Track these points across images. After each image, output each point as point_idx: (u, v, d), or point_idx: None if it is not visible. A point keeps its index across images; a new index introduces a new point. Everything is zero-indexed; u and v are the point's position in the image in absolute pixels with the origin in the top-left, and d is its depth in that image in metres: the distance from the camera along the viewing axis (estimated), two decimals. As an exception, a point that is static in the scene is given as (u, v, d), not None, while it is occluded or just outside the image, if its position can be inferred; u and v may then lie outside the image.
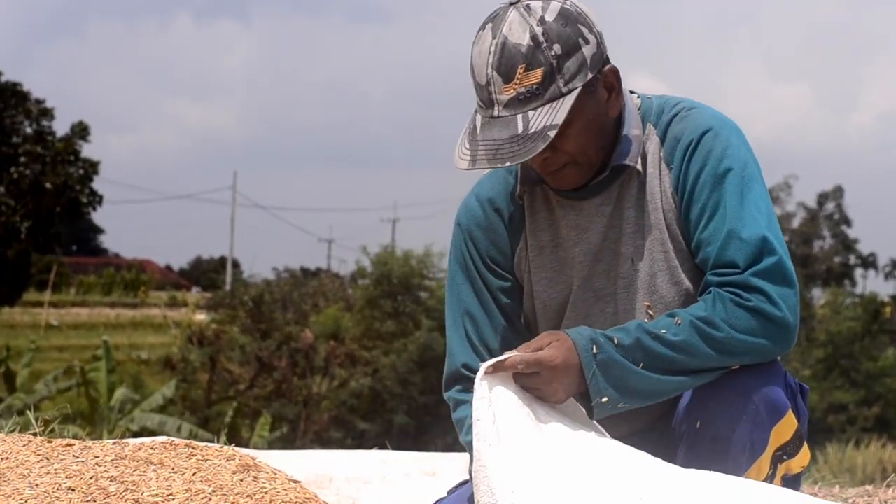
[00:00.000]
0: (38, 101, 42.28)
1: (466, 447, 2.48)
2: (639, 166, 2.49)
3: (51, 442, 2.83)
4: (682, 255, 2.48)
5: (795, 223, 47.94)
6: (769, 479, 2.43)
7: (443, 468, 3.80)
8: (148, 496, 2.46)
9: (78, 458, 2.68)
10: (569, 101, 2.34)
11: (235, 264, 55.14)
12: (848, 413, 33.57)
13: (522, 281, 2.62)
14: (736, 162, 2.44)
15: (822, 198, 48.89)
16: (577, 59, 2.36)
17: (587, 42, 2.38)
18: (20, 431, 3.60)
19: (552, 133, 2.31)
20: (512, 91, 2.34)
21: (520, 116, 2.34)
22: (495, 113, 2.36)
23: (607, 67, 2.43)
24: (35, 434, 3.36)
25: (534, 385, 2.32)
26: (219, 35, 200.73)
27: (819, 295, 45.67)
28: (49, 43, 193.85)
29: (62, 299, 46.43)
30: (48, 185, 40.45)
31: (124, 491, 2.48)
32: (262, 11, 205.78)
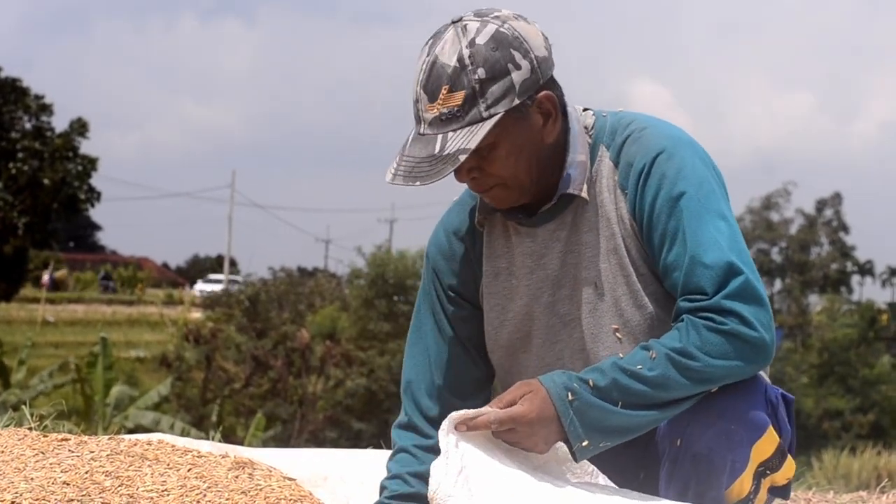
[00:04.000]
0: (38, 97, 42.29)
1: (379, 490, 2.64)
2: (584, 194, 2.46)
3: (46, 436, 2.83)
4: (643, 279, 2.46)
5: (793, 230, 48.02)
6: (753, 493, 2.41)
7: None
8: (143, 491, 2.46)
9: (73, 452, 2.68)
10: (487, 125, 2.32)
11: (233, 263, 55.17)
12: (843, 420, 33.62)
13: (485, 309, 2.64)
14: (691, 184, 2.40)
15: (821, 204, 48.98)
16: (503, 84, 2.34)
17: (518, 67, 2.35)
18: (15, 427, 3.60)
19: (462, 157, 2.31)
20: (435, 111, 2.34)
21: (439, 137, 2.33)
22: (421, 130, 2.37)
23: (542, 94, 2.40)
24: (31, 429, 3.35)
25: (512, 440, 2.31)
26: (223, 35, 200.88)
27: (816, 301, 45.79)
28: (54, 41, 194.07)
29: (59, 296, 46.39)
30: (46, 181, 40.47)
31: (119, 486, 2.48)
32: (267, 12, 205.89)
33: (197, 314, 32.96)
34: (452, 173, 2.37)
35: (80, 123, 42.09)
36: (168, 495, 2.44)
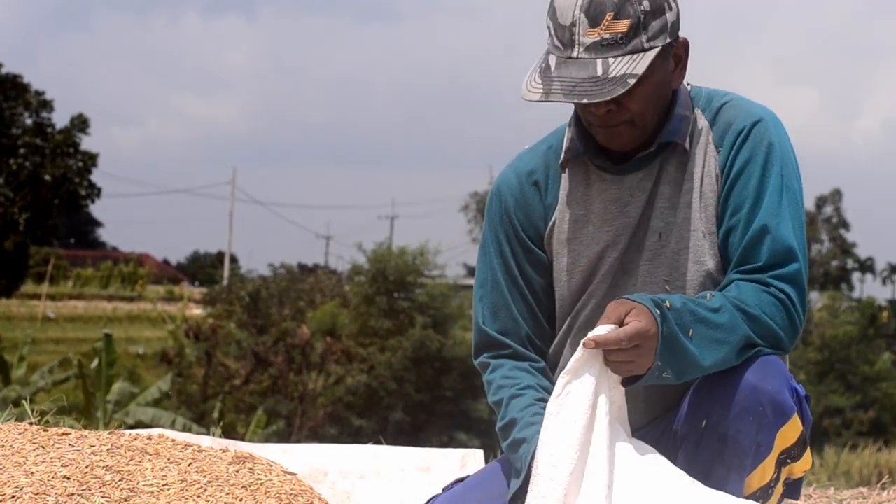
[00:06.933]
0: (38, 93, 42.28)
1: (493, 407, 2.59)
2: (686, 145, 2.52)
3: (46, 431, 2.83)
4: (710, 237, 2.51)
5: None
6: (773, 482, 2.43)
7: (437, 464, 3.80)
8: (143, 486, 2.46)
9: (74, 447, 2.68)
10: (650, 56, 2.38)
11: (233, 259, 55.18)
12: (843, 417, 33.60)
13: (551, 253, 2.65)
14: (783, 159, 2.50)
15: (821, 201, 48.96)
16: (661, 20, 2.41)
17: (671, 8, 2.44)
18: (16, 422, 3.60)
19: (632, 81, 2.35)
20: (596, 35, 2.38)
21: (599, 61, 2.37)
22: (574, 54, 2.39)
23: (682, 39, 2.49)
24: (31, 424, 3.35)
25: (629, 358, 2.30)
26: (224, 31, 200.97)
27: (816, 298, 45.71)
28: (56, 36, 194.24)
29: (59, 292, 46.33)
30: (47, 177, 40.46)
31: (119, 480, 2.48)
32: (268, 8, 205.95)
33: (197, 310, 32.93)
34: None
35: (81, 119, 42.07)
36: (168, 490, 2.45)
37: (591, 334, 2.28)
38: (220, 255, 61.75)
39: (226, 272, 46.88)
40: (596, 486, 2.25)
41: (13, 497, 2.40)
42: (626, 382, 2.36)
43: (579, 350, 2.28)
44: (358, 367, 26.41)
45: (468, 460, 3.66)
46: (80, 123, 42.00)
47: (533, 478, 2.28)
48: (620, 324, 2.29)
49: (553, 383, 2.52)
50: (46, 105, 42.20)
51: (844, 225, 49.45)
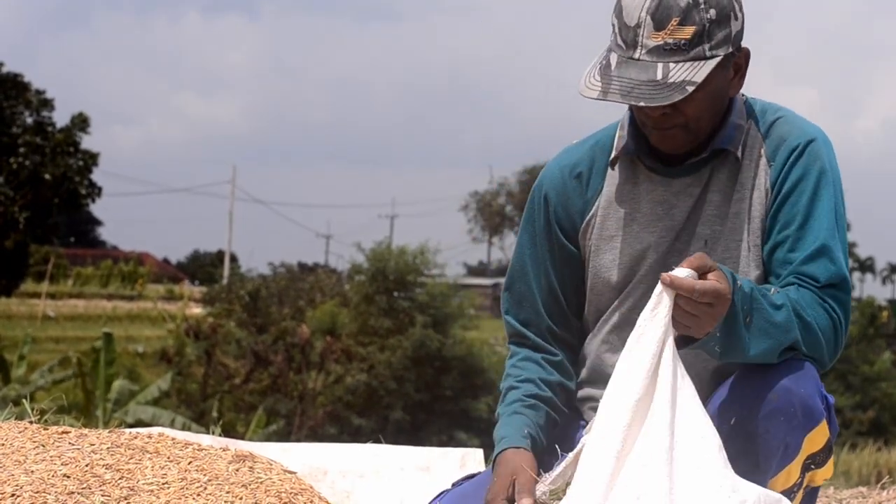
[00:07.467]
0: (39, 92, 42.31)
1: (502, 391, 2.64)
2: (738, 154, 2.54)
3: (47, 429, 2.83)
4: (755, 249, 2.53)
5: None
6: (797, 486, 2.43)
7: (437, 464, 3.80)
8: (143, 484, 2.46)
9: (74, 445, 2.68)
10: (710, 64, 2.40)
11: (233, 258, 55.17)
12: (843, 417, 33.61)
13: (586, 249, 2.66)
14: (834, 184, 2.53)
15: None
16: (725, 30, 2.42)
17: (736, 18, 2.45)
18: (16, 421, 3.60)
19: (690, 88, 2.37)
20: (660, 39, 2.40)
21: (660, 65, 2.39)
22: (636, 55, 2.41)
23: (744, 49, 2.51)
24: (31, 422, 3.36)
25: (696, 312, 2.28)
26: (225, 30, 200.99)
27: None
28: (57, 35, 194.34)
29: (59, 290, 46.36)
30: (47, 176, 40.49)
31: (119, 479, 2.49)
32: (269, 7, 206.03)
33: (197, 309, 32.92)
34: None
35: (81, 118, 42.10)
36: (168, 488, 2.45)
37: (671, 272, 2.27)
38: (220, 254, 61.76)
39: (226, 271, 46.84)
40: (660, 419, 2.25)
41: (13, 496, 2.40)
42: (677, 344, 2.33)
43: (658, 286, 2.28)
44: (358, 366, 26.41)
45: (468, 460, 3.66)
46: (81, 122, 42.02)
47: (600, 409, 2.29)
48: (700, 275, 2.27)
49: (573, 378, 2.65)
50: (47, 104, 42.23)
51: (844, 225, 49.46)
